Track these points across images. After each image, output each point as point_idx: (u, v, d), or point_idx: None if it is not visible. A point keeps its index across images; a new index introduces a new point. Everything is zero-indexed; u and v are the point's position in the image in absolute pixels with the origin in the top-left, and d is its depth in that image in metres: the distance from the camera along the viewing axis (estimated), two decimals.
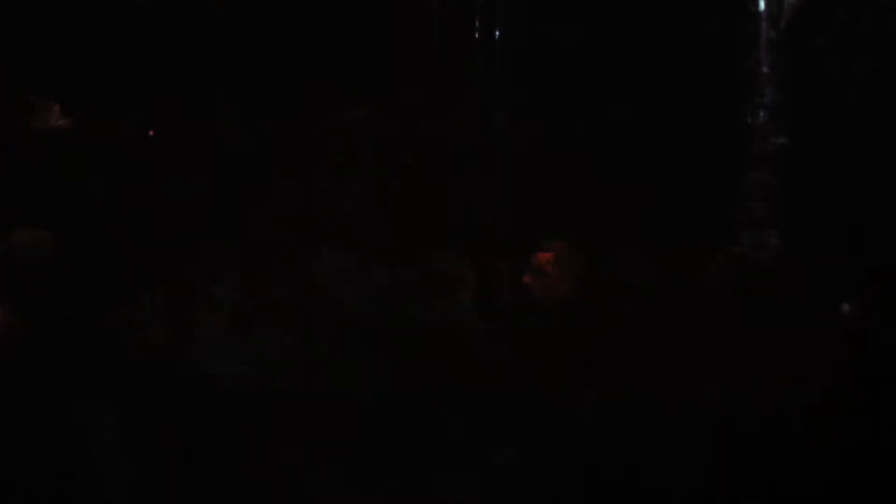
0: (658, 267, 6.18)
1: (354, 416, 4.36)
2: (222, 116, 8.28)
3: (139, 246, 6.23)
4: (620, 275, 6.58)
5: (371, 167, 7.52)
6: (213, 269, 5.59)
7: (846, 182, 7.56)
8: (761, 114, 7.76)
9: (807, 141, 7.75)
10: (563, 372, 4.56)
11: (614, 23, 8.47)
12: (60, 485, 4.20)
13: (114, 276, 5.76)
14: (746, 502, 4.00)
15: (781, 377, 4.43)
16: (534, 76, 8.82)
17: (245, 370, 4.73)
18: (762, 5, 7.71)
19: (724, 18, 7.90)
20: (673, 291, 5.99)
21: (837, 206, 7.52)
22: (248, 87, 8.78)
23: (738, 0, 7.76)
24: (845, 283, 5.31)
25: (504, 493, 4.15)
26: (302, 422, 4.37)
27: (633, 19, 8.39)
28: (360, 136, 7.76)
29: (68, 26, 8.69)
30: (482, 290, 6.70)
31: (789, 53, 7.77)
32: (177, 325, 4.97)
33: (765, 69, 7.74)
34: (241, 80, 8.87)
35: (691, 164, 8.00)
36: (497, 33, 8.98)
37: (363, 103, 8.28)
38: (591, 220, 7.47)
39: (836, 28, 7.75)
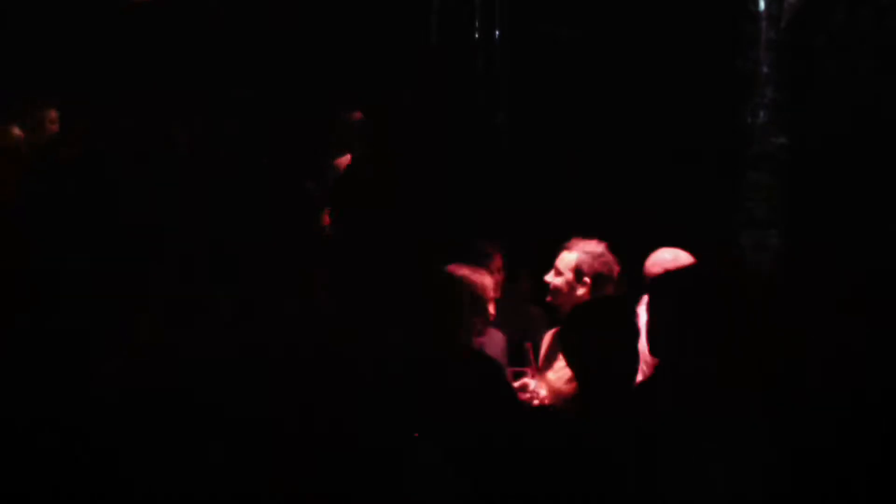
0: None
1: None
2: (221, 117, 8.29)
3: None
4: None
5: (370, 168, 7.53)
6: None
7: (846, 182, 7.56)
8: (761, 114, 7.76)
9: (807, 141, 7.75)
10: None
11: (614, 23, 8.48)
12: None
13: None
14: None
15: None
16: (534, 76, 8.83)
17: None
18: (762, 5, 7.70)
19: (724, 18, 7.90)
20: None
21: (837, 206, 7.53)
22: (248, 87, 8.80)
23: (738, 0, 7.76)
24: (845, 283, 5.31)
25: None
26: None
27: (632, 19, 8.39)
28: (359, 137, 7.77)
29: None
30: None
31: (789, 53, 7.76)
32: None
33: (765, 69, 7.73)
34: (239, 81, 8.88)
35: (691, 165, 8.00)
36: (497, 33, 8.99)
37: (363, 103, 8.29)
38: (591, 220, 7.47)
39: (836, 28, 7.75)
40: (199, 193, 7.09)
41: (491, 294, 5.55)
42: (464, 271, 5.37)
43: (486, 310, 5.50)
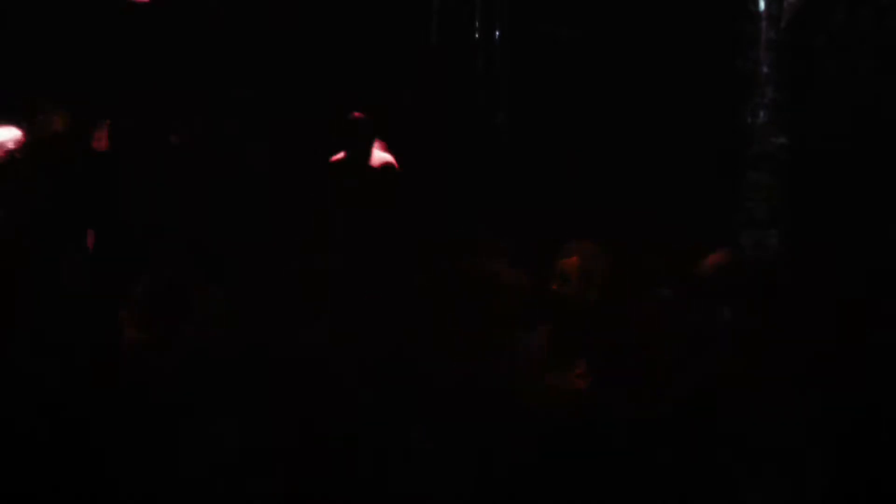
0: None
1: None
2: (222, 118, 8.29)
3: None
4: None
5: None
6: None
7: (846, 181, 7.57)
8: (761, 114, 7.76)
9: (807, 141, 7.75)
10: None
11: (614, 23, 8.48)
12: None
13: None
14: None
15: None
16: (534, 76, 8.83)
17: None
18: (762, 5, 7.71)
19: (724, 18, 7.91)
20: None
21: (837, 206, 7.53)
22: (248, 87, 8.80)
23: (738, 0, 7.76)
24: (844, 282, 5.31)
25: None
26: None
27: (632, 19, 8.39)
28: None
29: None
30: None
31: (789, 53, 7.76)
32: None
33: (765, 69, 7.74)
34: (239, 81, 8.88)
35: (691, 165, 8.01)
36: (497, 33, 8.99)
37: (363, 103, 8.29)
38: (591, 220, 7.47)
39: (836, 28, 7.75)
40: (198, 193, 7.09)
41: (522, 293, 5.48)
42: (492, 269, 5.33)
43: (515, 308, 5.43)
